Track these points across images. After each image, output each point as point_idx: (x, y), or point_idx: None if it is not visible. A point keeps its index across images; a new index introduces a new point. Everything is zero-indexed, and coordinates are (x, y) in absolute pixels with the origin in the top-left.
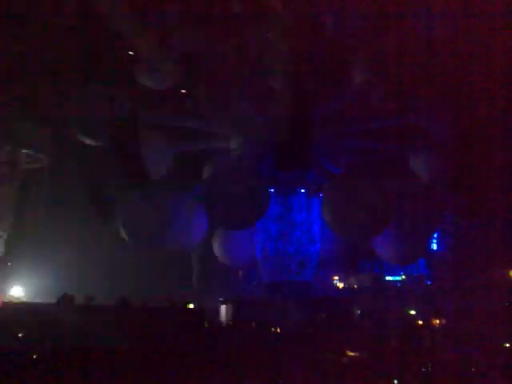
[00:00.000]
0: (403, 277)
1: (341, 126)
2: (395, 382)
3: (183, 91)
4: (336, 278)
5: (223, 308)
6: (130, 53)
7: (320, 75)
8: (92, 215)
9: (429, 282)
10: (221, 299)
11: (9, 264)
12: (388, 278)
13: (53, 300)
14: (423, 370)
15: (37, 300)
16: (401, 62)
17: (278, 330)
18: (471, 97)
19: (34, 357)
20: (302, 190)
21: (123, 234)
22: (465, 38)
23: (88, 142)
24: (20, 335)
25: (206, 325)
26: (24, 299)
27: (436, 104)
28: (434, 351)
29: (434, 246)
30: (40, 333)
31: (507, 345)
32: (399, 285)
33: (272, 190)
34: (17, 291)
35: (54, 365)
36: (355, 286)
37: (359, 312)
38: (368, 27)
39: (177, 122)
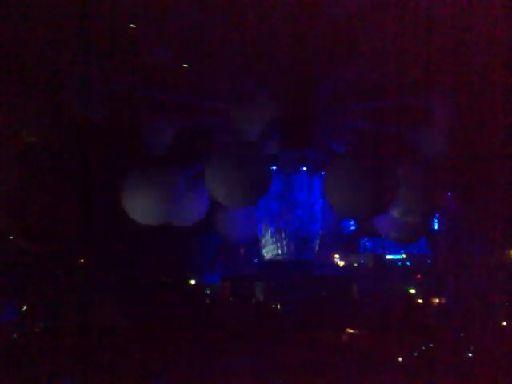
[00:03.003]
0: (404, 256)
1: (344, 105)
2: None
3: (185, 65)
4: (337, 256)
5: (224, 285)
6: (132, 26)
7: (323, 54)
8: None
9: (429, 261)
10: (222, 276)
11: None
12: (389, 256)
13: None
14: (423, 347)
15: None
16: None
17: (278, 307)
18: (473, 76)
19: None
20: (304, 169)
21: (124, 212)
22: (467, 17)
23: (87, 117)
24: None
25: (208, 301)
26: None
27: (438, 84)
28: (433, 329)
29: (436, 226)
30: None
31: (504, 323)
32: (399, 264)
33: (274, 168)
34: None
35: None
36: (355, 265)
37: (359, 290)
38: (370, 6)
39: (178, 98)
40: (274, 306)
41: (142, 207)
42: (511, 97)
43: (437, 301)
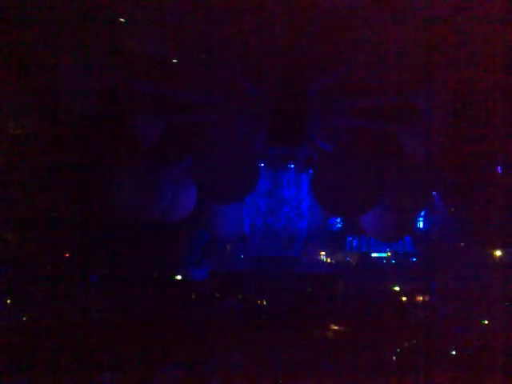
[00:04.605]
0: (389, 254)
1: (334, 104)
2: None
3: (174, 61)
4: (323, 253)
5: (210, 280)
6: (121, 20)
7: (314, 51)
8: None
9: (414, 260)
10: (208, 272)
11: None
12: (374, 254)
13: None
14: (406, 344)
15: None
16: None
17: (265, 303)
18: (464, 75)
19: None
20: (292, 166)
21: (111, 206)
22: (465, 16)
23: (76, 111)
24: None
25: (193, 296)
26: None
27: (427, 82)
28: (417, 326)
29: (421, 224)
30: None
31: (486, 322)
32: (384, 261)
33: (262, 165)
34: None
35: None
36: (341, 262)
37: (344, 287)
38: (364, 2)
39: (167, 93)
40: (260, 302)
41: (129, 202)
42: (504, 95)
43: (421, 298)
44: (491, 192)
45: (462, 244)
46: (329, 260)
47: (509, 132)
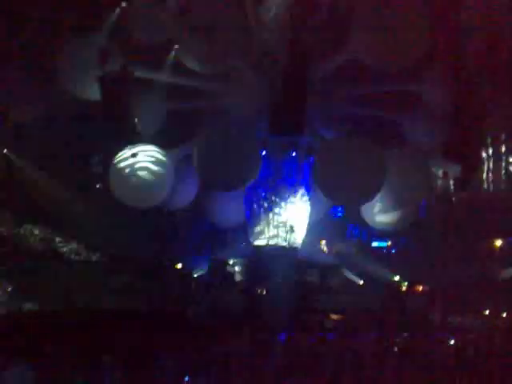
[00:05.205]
0: (389, 243)
1: (335, 91)
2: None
3: (176, 46)
4: (323, 242)
5: (211, 269)
6: (123, 4)
7: (316, 37)
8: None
9: (413, 249)
10: (208, 259)
11: None
12: (374, 243)
13: None
14: (404, 334)
15: None
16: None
17: (264, 292)
18: (469, 62)
19: None
20: (294, 154)
21: (111, 195)
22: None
23: (77, 97)
24: None
25: (193, 285)
26: None
27: (432, 70)
28: (415, 314)
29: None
30: None
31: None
32: (384, 251)
33: (263, 153)
34: None
35: None
36: (342, 251)
37: (344, 277)
38: None
39: (169, 79)
40: (259, 291)
41: (129, 190)
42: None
43: (420, 288)
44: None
45: (462, 234)
46: (329, 249)
47: None
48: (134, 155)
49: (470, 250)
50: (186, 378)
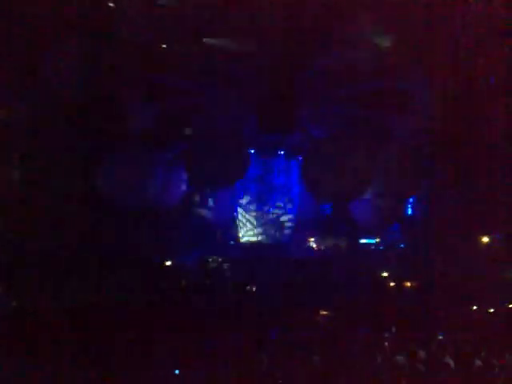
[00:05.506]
0: (377, 240)
1: (324, 90)
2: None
3: (164, 46)
4: (312, 239)
5: (200, 266)
6: (110, 4)
7: (306, 36)
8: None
9: (402, 246)
10: (198, 257)
11: None
12: (363, 240)
13: None
14: (393, 329)
15: None
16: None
17: (254, 290)
18: (455, 60)
19: None
20: (282, 153)
21: (101, 193)
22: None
23: (65, 97)
24: None
25: (183, 283)
26: None
27: (418, 68)
28: (402, 310)
29: (409, 211)
30: None
31: (475, 307)
32: (373, 248)
33: (252, 152)
34: None
35: None
36: (330, 248)
37: (333, 274)
38: None
39: (158, 79)
40: (249, 288)
41: (119, 188)
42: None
43: (408, 284)
44: (482, 178)
45: (451, 230)
46: (318, 246)
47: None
48: (124, 156)
49: (458, 247)
50: (177, 371)
